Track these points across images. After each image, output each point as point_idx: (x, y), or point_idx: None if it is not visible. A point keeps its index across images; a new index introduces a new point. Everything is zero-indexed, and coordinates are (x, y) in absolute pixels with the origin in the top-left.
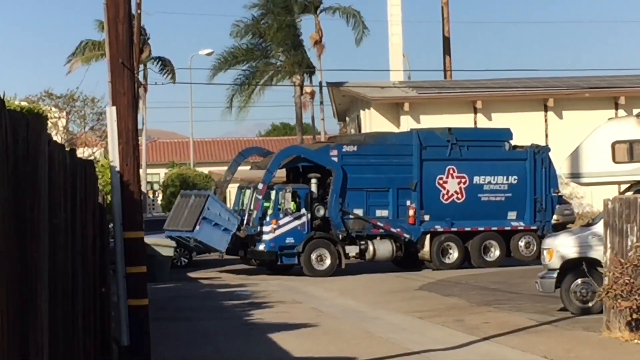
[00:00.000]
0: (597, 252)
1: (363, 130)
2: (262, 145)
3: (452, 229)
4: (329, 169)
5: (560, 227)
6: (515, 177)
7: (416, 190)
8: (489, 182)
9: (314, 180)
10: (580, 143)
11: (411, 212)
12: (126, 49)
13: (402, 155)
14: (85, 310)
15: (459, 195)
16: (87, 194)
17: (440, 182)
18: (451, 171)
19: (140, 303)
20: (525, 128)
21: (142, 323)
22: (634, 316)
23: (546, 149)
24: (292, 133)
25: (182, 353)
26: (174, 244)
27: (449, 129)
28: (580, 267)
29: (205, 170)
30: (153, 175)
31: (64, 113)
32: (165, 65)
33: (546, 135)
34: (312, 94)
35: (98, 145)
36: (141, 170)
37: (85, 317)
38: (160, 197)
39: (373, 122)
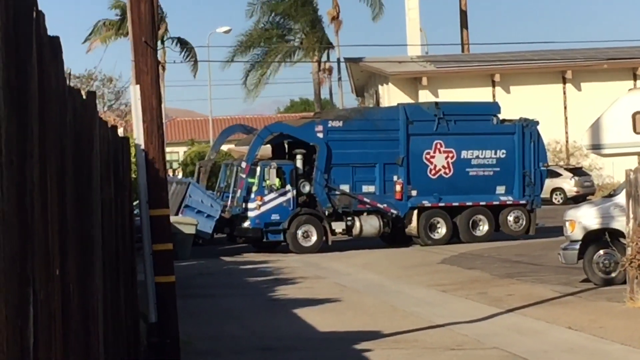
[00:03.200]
0: (620, 223)
1: (381, 105)
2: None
3: (440, 204)
4: (313, 145)
5: (580, 199)
6: (504, 151)
7: (403, 165)
8: (477, 157)
9: (299, 156)
10: (600, 114)
11: (398, 188)
12: (148, 27)
13: (389, 130)
14: (126, 284)
15: (447, 170)
16: (124, 170)
17: (428, 157)
18: (438, 146)
19: (167, 280)
20: (543, 100)
21: (169, 300)
22: None
23: (534, 122)
24: (311, 109)
25: (208, 329)
26: (195, 221)
27: (436, 103)
28: (602, 238)
29: (224, 147)
30: (172, 154)
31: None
32: (185, 46)
33: (565, 107)
34: (330, 70)
35: (118, 125)
36: None
37: (125, 291)
38: (180, 176)
39: (391, 97)
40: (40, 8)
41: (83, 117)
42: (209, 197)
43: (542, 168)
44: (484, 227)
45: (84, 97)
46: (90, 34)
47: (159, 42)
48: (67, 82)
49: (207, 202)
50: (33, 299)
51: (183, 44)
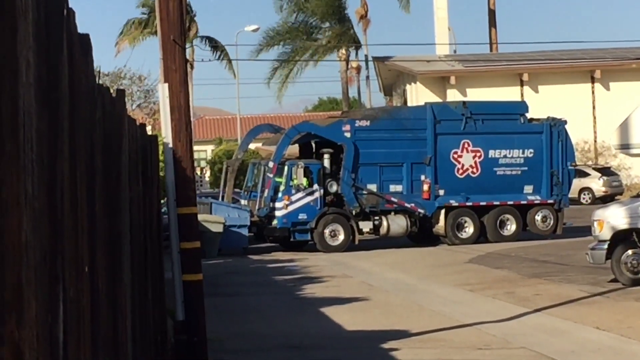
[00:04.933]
0: None
1: (409, 104)
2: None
3: (468, 204)
4: (340, 144)
5: (608, 199)
6: (531, 150)
7: (430, 164)
8: (505, 156)
9: (326, 156)
10: (629, 114)
11: (425, 187)
12: (177, 25)
13: (416, 129)
14: (154, 281)
15: (474, 170)
16: (153, 168)
17: (455, 156)
18: (466, 145)
19: (194, 278)
20: (572, 100)
21: (196, 298)
22: None
23: (562, 122)
24: (338, 108)
25: (235, 328)
26: (223, 219)
27: (464, 102)
28: (630, 238)
29: (252, 146)
30: (200, 152)
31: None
32: (214, 45)
33: (593, 107)
34: (358, 68)
35: (146, 123)
36: None
37: (153, 289)
38: (208, 174)
39: (419, 96)
40: (70, 6)
41: (112, 115)
42: (234, 209)
43: (569, 167)
44: (511, 227)
45: (113, 95)
46: (120, 34)
47: (187, 42)
48: (97, 79)
49: (234, 214)
50: (63, 297)
51: (212, 42)
